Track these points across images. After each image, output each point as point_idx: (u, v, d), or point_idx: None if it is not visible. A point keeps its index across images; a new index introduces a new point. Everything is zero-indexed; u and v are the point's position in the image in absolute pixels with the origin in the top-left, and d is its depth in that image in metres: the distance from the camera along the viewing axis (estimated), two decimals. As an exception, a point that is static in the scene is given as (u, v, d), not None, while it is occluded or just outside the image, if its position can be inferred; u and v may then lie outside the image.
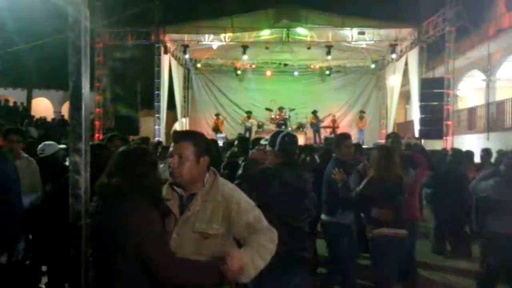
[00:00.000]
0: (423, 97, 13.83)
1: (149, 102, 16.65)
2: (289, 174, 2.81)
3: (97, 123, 15.74)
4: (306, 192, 2.88)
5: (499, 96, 15.36)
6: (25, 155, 4.05)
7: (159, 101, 15.76)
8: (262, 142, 3.47)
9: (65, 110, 27.30)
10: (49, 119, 21.48)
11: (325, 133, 17.05)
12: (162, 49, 15.38)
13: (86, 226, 1.52)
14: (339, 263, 4.15)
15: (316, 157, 5.97)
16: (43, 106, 26.52)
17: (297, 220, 2.78)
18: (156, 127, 15.52)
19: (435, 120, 13.57)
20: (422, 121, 13.94)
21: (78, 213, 1.51)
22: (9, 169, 2.82)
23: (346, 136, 4.56)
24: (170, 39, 15.95)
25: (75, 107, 1.51)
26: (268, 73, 19.88)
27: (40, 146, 4.74)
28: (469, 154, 7.19)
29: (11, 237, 2.78)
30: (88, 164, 1.53)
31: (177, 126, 20.38)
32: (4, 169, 2.78)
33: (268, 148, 3.02)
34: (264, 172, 2.87)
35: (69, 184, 1.52)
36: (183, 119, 19.16)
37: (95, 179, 1.63)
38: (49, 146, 4.73)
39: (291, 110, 17.46)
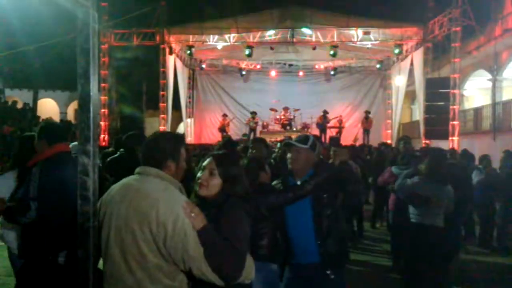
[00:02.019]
0: (428, 97, 13.76)
1: (154, 103, 16.74)
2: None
3: (102, 123, 15.81)
4: None
5: (505, 96, 15.25)
6: None
7: (164, 102, 15.80)
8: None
9: (70, 111, 27.47)
10: (55, 120, 21.60)
11: (330, 133, 17.05)
12: (167, 50, 15.42)
13: (94, 227, 1.53)
14: None
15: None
16: (49, 107, 26.68)
17: None
18: (162, 127, 15.55)
19: (440, 120, 13.49)
20: (428, 121, 13.87)
21: (86, 215, 1.52)
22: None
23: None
24: (175, 39, 15.99)
25: (83, 110, 1.52)
26: (273, 73, 19.89)
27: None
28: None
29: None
30: (96, 166, 1.54)
31: (182, 127, 20.45)
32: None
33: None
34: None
35: (78, 186, 1.53)
36: (188, 120, 19.22)
37: None
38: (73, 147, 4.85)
39: (296, 110, 17.48)
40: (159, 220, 1.72)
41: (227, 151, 2.37)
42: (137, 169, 1.91)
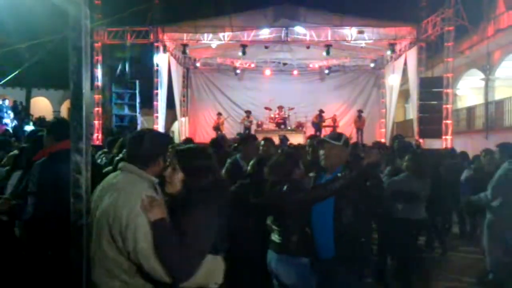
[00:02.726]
0: (422, 96, 13.85)
1: (148, 102, 16.65)
2: None
3: (96, 122, 15.73)
4: None
5: (498, 96, 15.39)
6: None
7: (158, 100, 15.75)
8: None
9: (64, 109, 27.30)
10: (48, 118, 21.45)
11: (325, 132, 17.09)
12: (161, 48, 15.36)
13: (87, 225, 1.53)
14: None
15: None
16: (42, 106, 26.50)
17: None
18: (156, 126, 15.50)
19: (434, 119, 13.59)
20: (421, 120, 13.96)
21: (79, 212, 1.52)
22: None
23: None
24: (169, 38, 15.94)
25: (76, 108, 1.51)
26: (267, 72, 19.89)
27: None
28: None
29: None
30: (89, 163, 1.53)
31: (176, 125, 20.41)
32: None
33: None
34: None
35: (70, 183, 1.53)
36: (183, 119, 19.17)
37: None
38: None
39: (290, 109, 17.51)
40: (116, 212, 1.70)
41: (193, 146, 2.28)
42: (119, 165, 1.93)
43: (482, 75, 15.56)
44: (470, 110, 16.56)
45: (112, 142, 5.12)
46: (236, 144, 5.80)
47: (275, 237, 3.13)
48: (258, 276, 3.29)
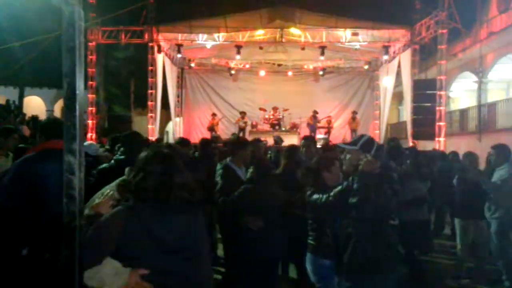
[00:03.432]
0: (415, 98, 13.92)
1: (142, 101, 16.62)
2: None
3: (90, 122, 15.65)
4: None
5: (490, 98, 15.52)
6: None
7: (152, 100, 15.70)
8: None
9: (57, 108, 27.12)
10: (41, 117, 21.31)
11: (319, 133, 17.14)
12: (156, 48, 15.32)
13: (80, 227, 1.52)
14: None
15: None
16: (35, 105, 26.31)
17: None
18: (150, 126, 15.46)
19: (427, 121, 13.66)
20: (415, 122, 14.03)
21: (72, 214, 1.51)
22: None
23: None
24: (164, 38, 15.90)
25: (69, 108, 1.50)
26: (262, 73, 19.90)
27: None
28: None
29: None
30: (82, 164, 1.53)
31: (170, 126, 20.35)
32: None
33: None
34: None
35: (63, 184, 1.52)
36: (177, 119, 19.13)
37: None
38: (89, 147, 4.97)
39: (285, 110, 17.54)
40: None
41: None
42: None
43: (475, 78, 15.69)
44: (463, 112, 16.68)
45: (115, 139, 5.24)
46: (223, 146, 5.83)
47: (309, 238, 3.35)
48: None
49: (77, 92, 1.49)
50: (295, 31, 15.83)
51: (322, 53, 15.91)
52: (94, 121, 15.97)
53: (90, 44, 15.07)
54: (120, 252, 1.83)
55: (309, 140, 5.55)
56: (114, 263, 1.80)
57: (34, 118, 19.84)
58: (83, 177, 1.55)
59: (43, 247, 2.68)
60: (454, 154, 7.88)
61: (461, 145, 13.31)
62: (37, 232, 2.69)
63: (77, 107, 1.49)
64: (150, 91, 15.60)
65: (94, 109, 15.95)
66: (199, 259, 1.97)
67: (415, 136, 14.11)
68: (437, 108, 13.54)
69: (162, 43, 15.68)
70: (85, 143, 5.03)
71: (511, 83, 17.01)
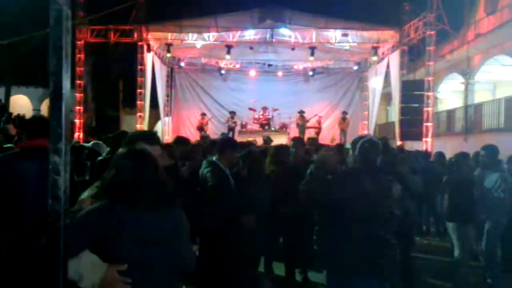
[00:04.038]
0: (404, 99, 14.07)
1: (131, 101, 16.50)
2: (364, 179, 2.81)
3: (77, 121, 15.51)
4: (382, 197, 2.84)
5: (477, 99, 15.73)
6: None
7: (141, 100, 15.61)
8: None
9: (44, 107, 26.80)
10: (28, 116, 21.04)
11: (309, 133, 17.18)
12: (145, 48, 15.24)
13: (65, 227, 1.51)
14: None
15: None
16: (22, 103, 25.96)
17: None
18: (138, 126, 15.37)
19: (415, 121, 13.82)
20: (403, 123, 14.17)
21: (57, 214, 1.49)
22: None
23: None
24: (153, 37, 15.81)
25: (55, 108, 1.49)
26: (252, 73, 19.91)
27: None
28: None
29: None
30: (68, 164, 1.51)
31: (159, 125, 20.25)
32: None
33: (350, 152, 3.03)
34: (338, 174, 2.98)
35: (49, 185, 1.51)
36: (166, 118, 19.04)
37: None
38: (101, 146, 4.97)
39: (275, 110, 17.57)
40: None
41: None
42: None
43: (462, 79, 15.88)
44: (450, 113, 16.88)
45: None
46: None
47: None
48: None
49: (63, 91, 1.48)
50: (285, 31, 15.87)
51: (312, 54, 15.98)
52: (82, 120, 15.83)
53: (78, 42, 14.92)
54: (97, 247, 1.84)
55: (298, 141, 5.59)
56: (92, 257, 1.82)
57: (21, 117, 19.59)
58: (68, 177, 1.54)
59: (20, 245, 2.67)
60: (439, 154, 7.97)
61: (447, 146, 13.47)
62: (14, 230, 2.68)
63: (63, 106, 1.48)
64: (139, 90, 15.51)
65: (82, 108, 15.80)
66: (178, 249, 2.00)
67: (403, 137, 14.25)
68: (425, 108, 13.70)
69: (151, 42, 15.60)
70: (92, 143, 5.05)
71: (498, 84, 17.25)
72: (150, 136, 2.50)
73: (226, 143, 4.34)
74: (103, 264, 1.81)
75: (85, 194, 2.23)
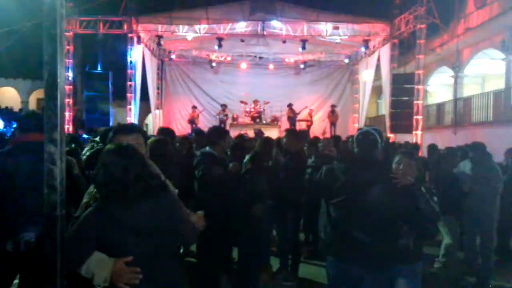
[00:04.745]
0: (394, 92, 14.15)
1: (121, 93, 16.33)
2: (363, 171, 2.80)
3: (67, 113, 15.33)
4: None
5: (466, 92, 15.88)
6: None
7: (131, 92, 15.47)
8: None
9: (32, 100, 26.42)
10: (16, 109, 20.75)
11: (299, 126, 17.21)
12: (135, 39, 15.07)
13: (61, 217, 1.50)
14: None
15: None
16: (9, 96, 25.59)
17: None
18: (128, 118, 15.25)
19: (405, 114, 13.92)
20: (393, 116, 14.27)
21: (53, 204, 1.49)
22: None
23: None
24: (144, 29, 15.64)
25: (50, 97, 1.48)
26: (243, 65, 19.84)
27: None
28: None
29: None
30: (63, 154, 1.50)
31: (150, 118, 20.11)
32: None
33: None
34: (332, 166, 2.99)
35: (44, 174, 1.50)
36: (157, 111, 18.91)
37: None
38: None
39: (266, 103, 17.56)
40: None
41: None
42: None
43: (451, 73, 16.01)
44: (440, 106, 17.03)
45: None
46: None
47: None
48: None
49: (59, 80, 1.46)
50: (276, 24, 15.82)
51: (303, 47, 15.96)
52: (71, 113, 15.66)
53: (67, 34, 14.70)
54: (102, 246, 1.94)
55: (291, 132, 5.62)
56: (99, 255, 1.92)
57: (8, 110, 19.32)
58: (64, 167, 1.53)
59: (9, 237, 2.71)
60: (432, 147, 8.00)
61: (437, 138, 13.60)
62: (4, 223, 2.71)
63: (58, 95, 1.47)
64: (129, 83, 15.37)
65: (71, 100, 15.63)
66: (178, 231, 2.10)
67: (393, 129, 14.36)
68: (415, 102, 13.79)
69: (141, 34, 15.44)
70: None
71: (486, 77, 17.42)
72: (130, 127, 2.49)
73: (217, 133, 4.36)
74: (110, 260, 1.90)
75: (86, 197, 2.26)
